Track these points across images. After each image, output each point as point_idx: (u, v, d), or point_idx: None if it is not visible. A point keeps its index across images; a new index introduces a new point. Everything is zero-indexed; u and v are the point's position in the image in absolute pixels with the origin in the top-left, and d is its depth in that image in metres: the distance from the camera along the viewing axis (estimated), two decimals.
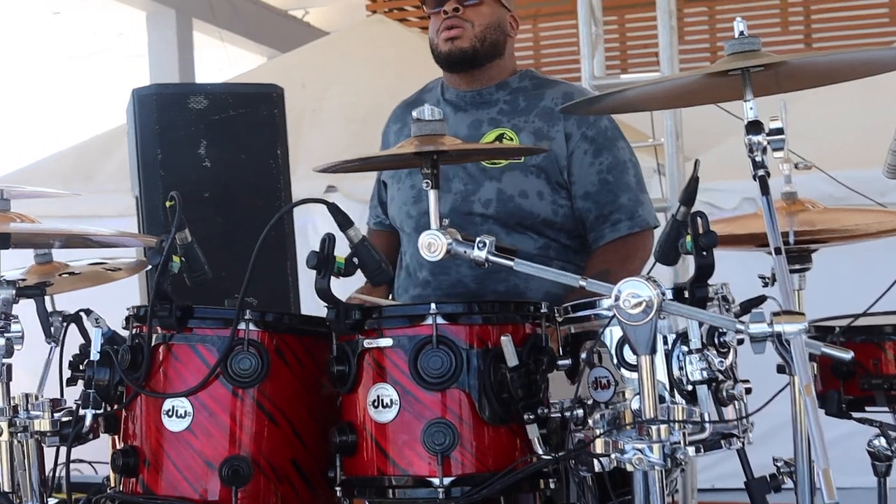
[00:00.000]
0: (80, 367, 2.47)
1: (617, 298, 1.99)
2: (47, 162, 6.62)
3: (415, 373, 2.18)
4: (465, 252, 2.12)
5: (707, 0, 8.88)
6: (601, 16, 4.67)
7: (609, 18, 7.49)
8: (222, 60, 10.15)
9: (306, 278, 2.43)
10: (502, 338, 2.16)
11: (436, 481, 2.15)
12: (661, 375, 2.20)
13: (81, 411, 2.39)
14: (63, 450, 2.49)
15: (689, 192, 2.21)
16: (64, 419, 2.51)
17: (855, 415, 2.85)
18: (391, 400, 2.19)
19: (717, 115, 3.13)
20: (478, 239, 2.12)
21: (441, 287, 3.11)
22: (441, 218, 2.14)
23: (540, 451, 2.16)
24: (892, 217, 2.62)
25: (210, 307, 2.35)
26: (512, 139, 3.09)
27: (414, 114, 2.11)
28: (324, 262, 2.18)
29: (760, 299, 2.53)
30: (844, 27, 8.68)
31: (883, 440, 2.86)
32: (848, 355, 1.94)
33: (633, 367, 2.18)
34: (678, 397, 2.21)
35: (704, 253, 2.17)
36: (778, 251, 1.95)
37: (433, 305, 2.18)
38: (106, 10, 10.28)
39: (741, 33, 2.11)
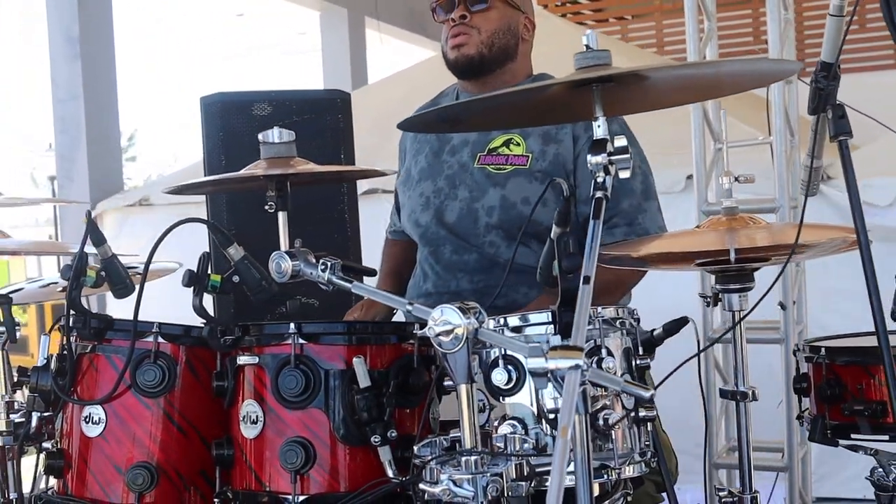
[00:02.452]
0: (27, 373, 2.64)
1: (428, 325, 1.94)
2: None
3: (275, 391, 2.21)
4: (311, 273, 2.12)
5: None
6: (714, 10, 4.37)
7: (743, 12, 7.02)
8: (393, 58, 10.24)
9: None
10: (354, 359, 2.15)
11: (290, 499, 2.17)
12: (529, 402, 2.13)
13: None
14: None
15: (563, 212, 2.11)
16: (18, 420, 2.70)
17: (846, 442, 2.63)
18: (257, 416, 2.23)
19: (874, 111, 2.95)
20: (321, 260, 2.11)
21: (441, 300, 3.08)
22: (292, 240, 2.15)
23: (390, 474, 2.14)
24: (838, 232, 2.37)
25: (128, 320, 2.46)
26: (519, 144, 3.03)
27: (260, 137, 2.13)
28: (197, 280, 2.24)
29: (682, 321, 2.39)
30: None
31: (881, 471, 2.63)
32: (647, 394, 1.79)
33: (500, 392, 2.13)
34: (545, 426, 2.13)
35: (570, 276, 2.08)
36: (587, 280, 1.83)
37: (291, 325, 2.20)
38: (285, 11, 10.50)
39: (587, 47, 1.98)
